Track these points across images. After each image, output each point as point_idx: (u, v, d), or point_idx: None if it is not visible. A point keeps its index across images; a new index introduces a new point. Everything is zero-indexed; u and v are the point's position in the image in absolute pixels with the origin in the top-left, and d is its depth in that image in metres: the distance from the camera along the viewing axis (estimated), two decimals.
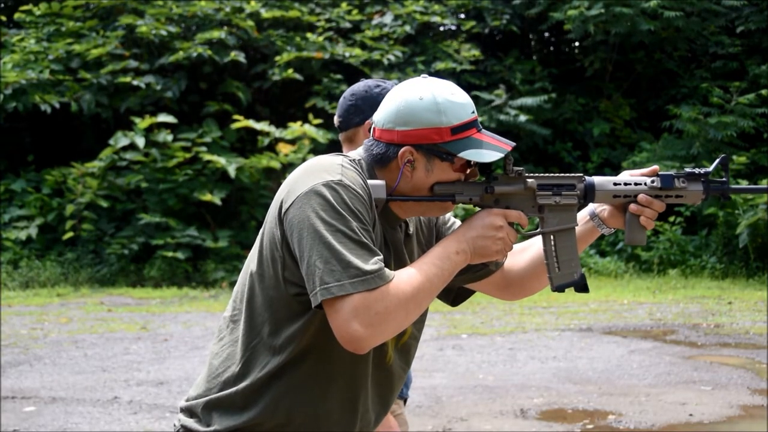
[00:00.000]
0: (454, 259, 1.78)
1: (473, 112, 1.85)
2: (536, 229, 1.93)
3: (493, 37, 18.24)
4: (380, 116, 1.85)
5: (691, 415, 5.79)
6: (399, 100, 1.83)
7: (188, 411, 1.87)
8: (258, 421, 1.78)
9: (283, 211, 1.74)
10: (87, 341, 8.49)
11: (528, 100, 15.49)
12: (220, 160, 13.09)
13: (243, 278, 1.86)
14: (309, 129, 13.20)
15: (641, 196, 1.93)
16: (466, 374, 6.98)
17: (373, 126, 1.87)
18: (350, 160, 1.83)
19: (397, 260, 1.87)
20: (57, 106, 13.78)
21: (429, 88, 1.83)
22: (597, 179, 1.94)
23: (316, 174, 1.74)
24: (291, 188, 1.75)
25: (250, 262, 1.84)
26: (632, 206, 1.92)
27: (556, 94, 16.02)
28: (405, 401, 3.12)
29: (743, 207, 13.07)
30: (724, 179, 1.95)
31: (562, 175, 1.91)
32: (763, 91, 14.73)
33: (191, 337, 8.70)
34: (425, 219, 2.02)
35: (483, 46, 16.95)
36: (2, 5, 16.58)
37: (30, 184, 14.04)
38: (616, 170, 15.48)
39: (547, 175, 1.90)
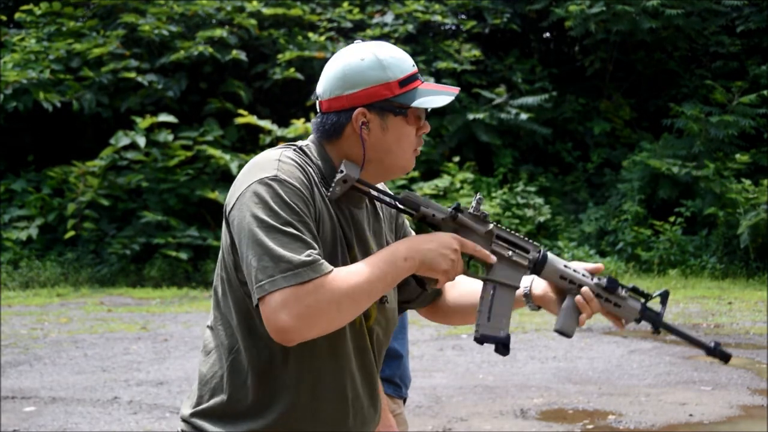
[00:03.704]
0: (400, 265, 1.75)
1: (414, 66, 1.87)
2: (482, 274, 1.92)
3: (494, 36, 18.25)
4: (323, 88, 1.86)
5: (691, 415, 5.79)
6: (340, 66, 1.84)
7: (184, 420, 1.86)
8: (252, 427, 1.77)
9: (227, 213, 1.76)
10: (87, 341, 8.49)
11: (528, 100, 15.51)
12: (224, 156, 13.11)
13: (214, 284, 1.87)
14: (311, 127, 13.22)
15: (585, 289, 1.92)
16: (466, 374, 6.98)
17: (318, 101, 1.87)
18: (294, 149, 1.84)
19: (358, 240, 1.86)
20: (58, 105, 13.79)
21: (368, 49, 1.85)
22: (551, 255, 1.93)
23: (252, 173, 1.74)
24: (232, 191, 1.77)
25: (218, 267, 1.85)
26: (578, 298, 1.92)
27: (557, 94, 16.03)
28: (404, 401, 3.12)
29: (744, 206, 13.06)
30: (659, 312, 1.95)
31: (522, 237, 1.91)
32: (765, 92, 14.74)
33: (191, 337, 8.69)
34: (387, 210, 2.01)
35: (483, 46, 16.96)
36: (2, 5, 16.57)
37: (30, 184, 14.05)
38: (616, 170, 15.50)
39: (508, 230, 1.90)
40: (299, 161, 1.80)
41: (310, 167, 1.82)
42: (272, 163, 1.75)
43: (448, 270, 1.80)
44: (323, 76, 1.87)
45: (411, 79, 1.85)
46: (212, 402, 1.80)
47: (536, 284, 2.00)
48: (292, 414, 1.78)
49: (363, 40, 1.90)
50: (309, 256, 1.64)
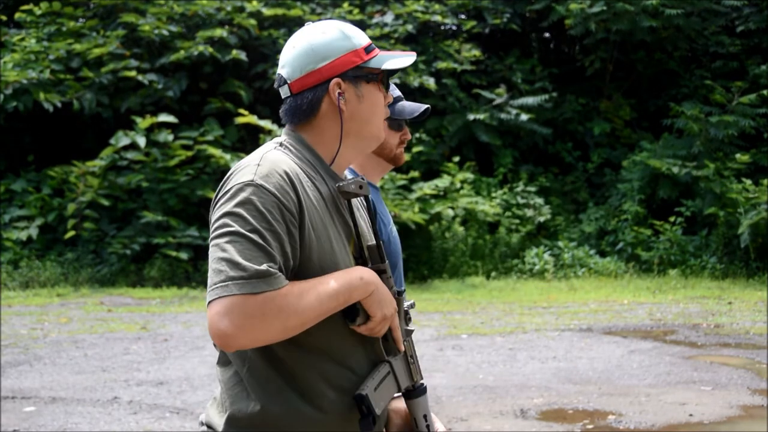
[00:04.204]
0: (355, 284, 1.73)
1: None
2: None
3: (494, 36, 18.25)
4: (291, 69, 1.84)
5: (691, 415, 5.79)
6: (304, 44, 1.84)
7: (210, 427, 1.83)
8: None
9: (210, 214, 1.76)
10: (87, 341, 8.49)
11: (529, 100, 15.51)
12: (224, 156, 13.12)
13: None
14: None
15: None
16: (466, 374, 6.98)
17: (287, 84, 1.84)
18: (275, 147, 1.81)
19: (357, 230, 1.85)
20: (58, 105, 13.79)
21: (326, 24, 1.87)
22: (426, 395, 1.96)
23: (232, 179, 1.73)
24: (216, 193, 1.76)
25: None
26: None
27: (557, 94, 16.03)
28: None
29: (745, 206, 13.07)
30: None
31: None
32: (765, 92, 14.75)
33: (191, 337, 8.70)
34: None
35: (483, 46, 16.97)
36: (2, 5, 16.58)
37: (30, 184, 14.06)
38: (616, 170, 15.50)
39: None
40: (282, 161, 1.76)
41: (295, 162, 1.79)
42: (251, 168, 1.72)
43: (386, 317, 1.79)
44: (286, 60, 1.85)
45: (371, 46, 1.88)
46: (237, 409, 1.77)
47: (393, 403, 1.98)
48: (317, 418, 1.75)
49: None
50: (265, 267, 1.61)
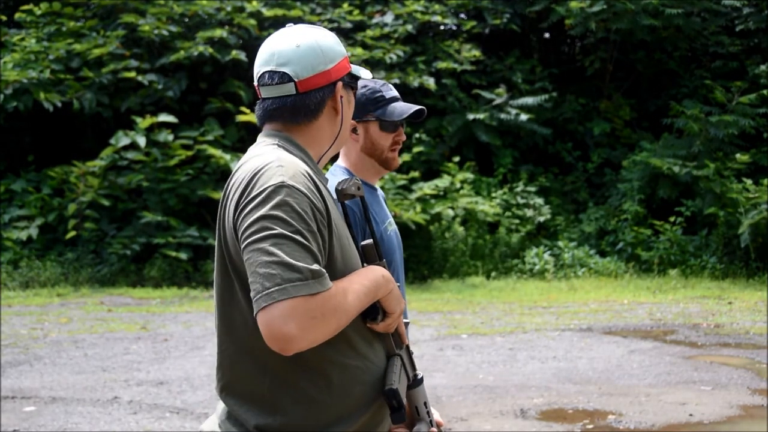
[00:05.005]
0: (380, 283, 1.77)
1: None
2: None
3: (494, 36, 18.25)
4: (299, 67, 1.81)
5: (691, 415, 5.79)
6: (311, 43, 1.83)
7: None
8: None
9: (236, 219, 1.70)
10: (87, 341, 8.49)
11: (529, 100, 15.51)
12: (224, 156, 13.12)
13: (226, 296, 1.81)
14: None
15: (438, 420, 2.03)
16: (466, 374, 6.98)
17: (293, 82, 1.81)
18: (276, 148, 1.78)
19: (351, 231, 1.87)
20: (59, 105, 13.79)
21: (320, 28, 1.90)
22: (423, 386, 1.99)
23: (257, 181, 1.69)
24: (240, 196, 1.71)
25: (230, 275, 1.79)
26: (433, 429, 1.96)
27: (557, 94, 16.03)
28: None
29: (745, 206, 13.06)
30: None
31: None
32: (765, 92, 14.75)
33: (191, 337, 8.70)
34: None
35: (483, 46, 16.97)
36: (2, 5, 16.57)
37: (30, 184, 14.05)
38: (616, 170, 15.50)
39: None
40: (298, 162, 1.75)
41: (304, 162, 1.79)
42: (274, 169, 1.70)
43: (397, 313, 1.83)
44: (288, 58, 1.81)
45: None
46: (264, 424, 1.76)
47: None
48: (345, 416, 1.76)
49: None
50: (318, 267, 1.61)
